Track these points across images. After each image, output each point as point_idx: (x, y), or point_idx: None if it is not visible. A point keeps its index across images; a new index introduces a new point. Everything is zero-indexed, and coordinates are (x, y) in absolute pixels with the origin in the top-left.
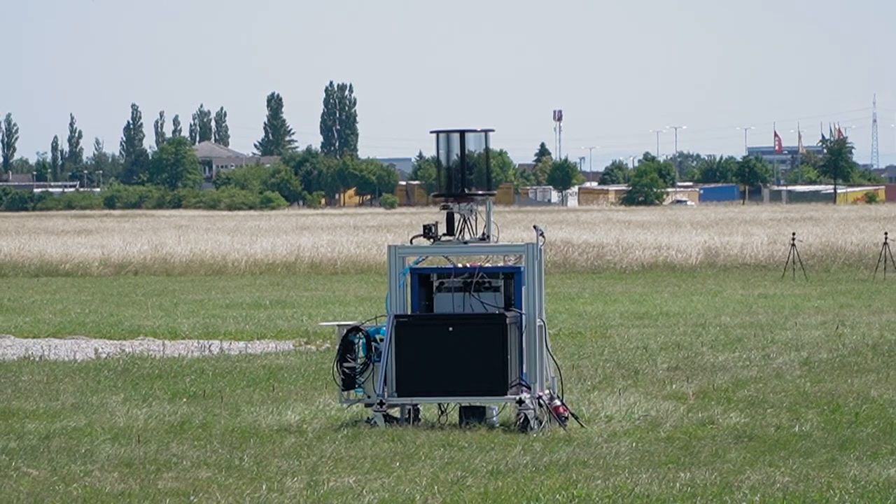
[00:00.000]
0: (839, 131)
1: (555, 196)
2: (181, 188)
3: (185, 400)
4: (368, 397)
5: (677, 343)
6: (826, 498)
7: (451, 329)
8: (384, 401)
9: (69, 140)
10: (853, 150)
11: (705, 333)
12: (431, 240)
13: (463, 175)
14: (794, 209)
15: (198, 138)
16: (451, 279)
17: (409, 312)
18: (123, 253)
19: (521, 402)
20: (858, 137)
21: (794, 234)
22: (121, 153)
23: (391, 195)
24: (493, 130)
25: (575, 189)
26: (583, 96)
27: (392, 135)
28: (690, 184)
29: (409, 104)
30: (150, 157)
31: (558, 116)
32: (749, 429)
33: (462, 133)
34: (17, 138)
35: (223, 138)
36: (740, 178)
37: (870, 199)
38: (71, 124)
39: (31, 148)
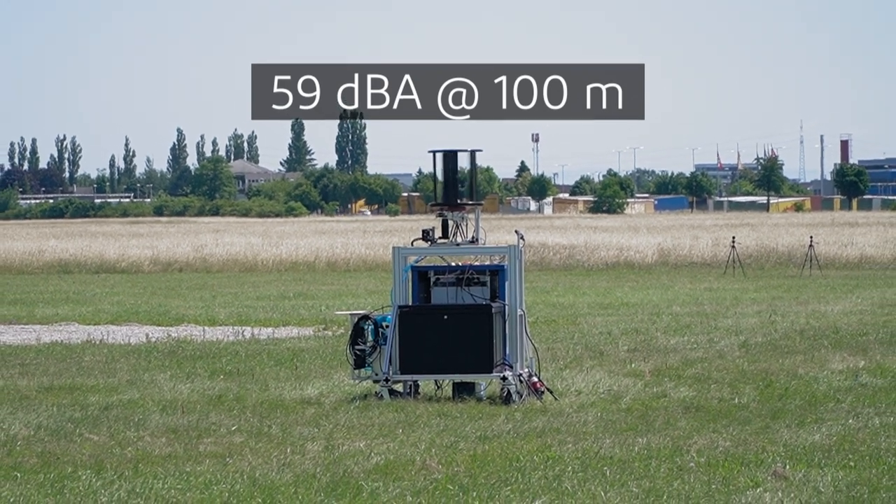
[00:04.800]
0: (772, 151)
1: (533, 205)
2: (219, 199)
3: (222, 377)
4: (376, 375)
5: (636, 329)
6: (761, 459)
7: (445, 317)
8: (389, 378)
9: (124, 158)
10: (783, 167)
11: (659, 321)
12: (429, 242)
13: (455, 188)
14: (734, 217)
15: (233, 157)
16: (446, 275)
17: (410, 303)
18: (170, 253)
19: (504, 378)
20: (788, 156)
21: (733, 237)
22: (168, 169)
23: (395, 205)
24: (480, 150)
25: (550, 199)
26: (556, 121)
27: (396, 154)
28: (647, 195)
29: (410, 128)
30: (193, 173)
31: (536, 139)
32: (696, 401)
33: (454, 153)
34: (80, 157)
35: (254, 157)
36: (689, 191)
37: (798, 208)
38: (126, 145)
39: (93, 165)
